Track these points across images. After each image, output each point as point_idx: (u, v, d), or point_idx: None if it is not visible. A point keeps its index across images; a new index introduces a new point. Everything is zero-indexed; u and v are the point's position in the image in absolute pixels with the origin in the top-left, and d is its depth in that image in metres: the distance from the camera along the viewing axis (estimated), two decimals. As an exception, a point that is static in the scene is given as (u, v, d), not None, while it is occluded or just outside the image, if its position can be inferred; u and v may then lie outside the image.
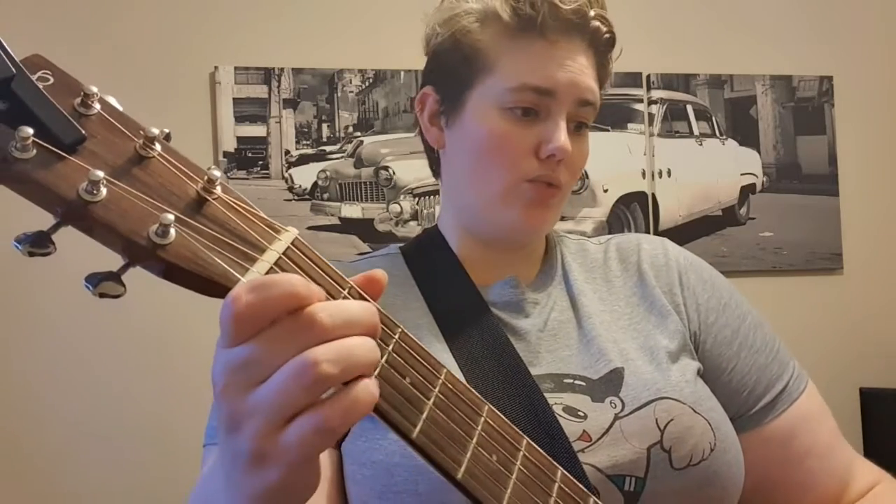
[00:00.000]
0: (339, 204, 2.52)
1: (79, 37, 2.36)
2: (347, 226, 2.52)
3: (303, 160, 2.52)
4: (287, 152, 2.51)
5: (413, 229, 2.54)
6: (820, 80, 2.88)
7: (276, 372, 0.47)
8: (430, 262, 0.97)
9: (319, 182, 2.52)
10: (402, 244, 1.03)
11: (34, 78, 0.46)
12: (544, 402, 0.83)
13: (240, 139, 2.47)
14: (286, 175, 2.50)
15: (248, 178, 2.46)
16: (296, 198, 2.50)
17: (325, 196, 2.52)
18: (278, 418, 0.48)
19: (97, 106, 0.48)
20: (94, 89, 0.48)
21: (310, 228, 2.49)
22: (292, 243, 0.52)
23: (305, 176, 2.51)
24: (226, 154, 2.45)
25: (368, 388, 0.49)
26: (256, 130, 2.49)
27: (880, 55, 2.94)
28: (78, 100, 0.48)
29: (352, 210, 2.53)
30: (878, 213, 2.91)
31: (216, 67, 2.45)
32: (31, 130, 0.43)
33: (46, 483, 2.27)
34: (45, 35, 2.31)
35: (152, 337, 2.32)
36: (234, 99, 2.47)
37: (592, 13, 0.91)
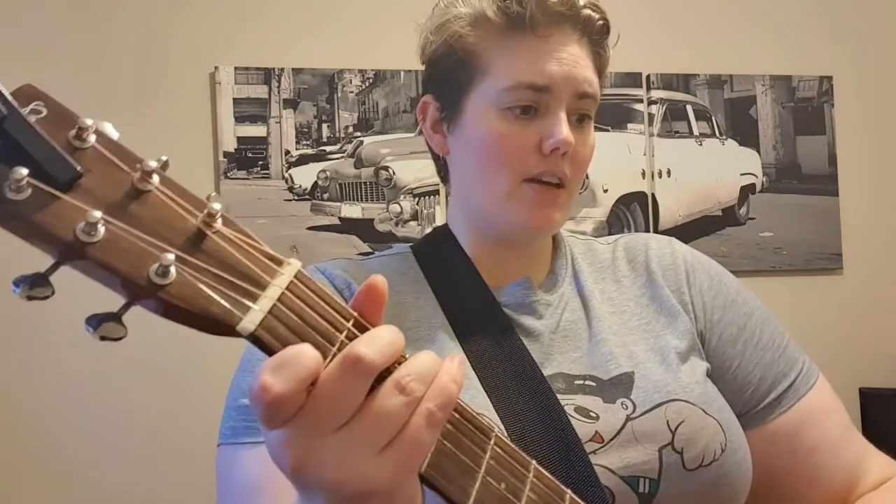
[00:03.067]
0: (339, 204, 2.52)
1: (79, 37, 2.35)
2: (347, 226, 2.52)
3: (303, 160, 2.51)
4: (287, 152, 2.50)
5: (413, 229, 2.53)
6: (820, 80, 2.87)
7: (404, 428, 0.49)
8: (442, 261, 0.97)
9: (319, 182, 2.51)
10: (411, 244, 1.03)
11: (27, 110, 0.44)
12: (557, 403, 0.83)
13: (240, 139, 2.46)
14: (286, 175, 2.49)
15: (248, 179, 2.45)
16: (296, 198, 2.49)
17: (325, 196, 2.51)
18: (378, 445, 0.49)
19: (92, 138, 0.47)
20: (89, 122, 0.46)
21: (310, 228, 2.49)
22: (295, 276, 0.50)
23: (305, 176, 2.51)
24: (226, 154, 2.44)
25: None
26: (256, 130, 2.48)
27: (880, 55, 2.93)
28: (73, 132, 0.46)
29: (352, 210, 2.53)
30: (878, 213, 2.90)
31: (216, 67, 2.45)
32: (25, 171, 0.42)
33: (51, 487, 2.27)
34: (45, 36, 2.30)
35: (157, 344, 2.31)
36: (234, 99, 2.46)
37: (582, 2, 0.90)
